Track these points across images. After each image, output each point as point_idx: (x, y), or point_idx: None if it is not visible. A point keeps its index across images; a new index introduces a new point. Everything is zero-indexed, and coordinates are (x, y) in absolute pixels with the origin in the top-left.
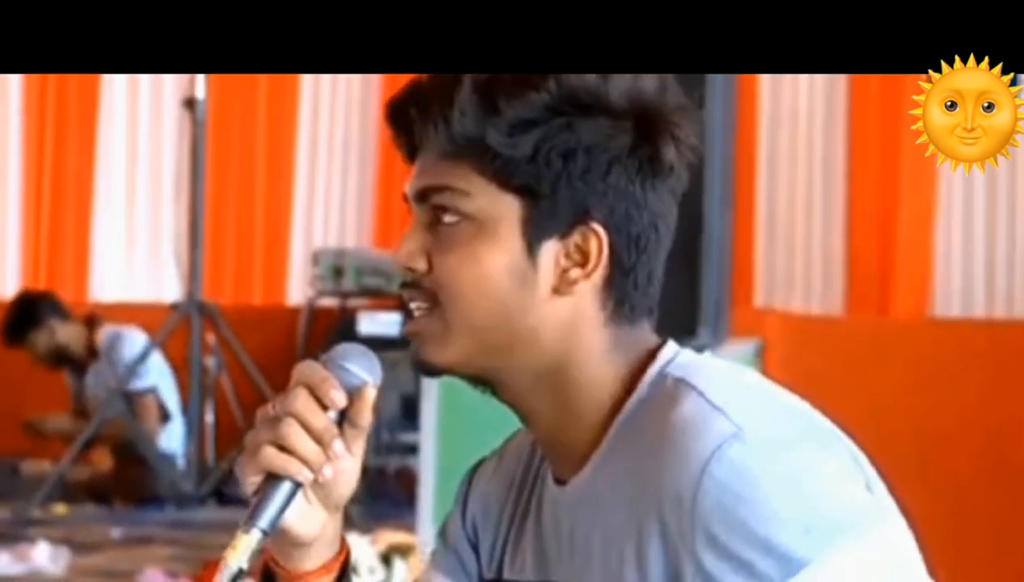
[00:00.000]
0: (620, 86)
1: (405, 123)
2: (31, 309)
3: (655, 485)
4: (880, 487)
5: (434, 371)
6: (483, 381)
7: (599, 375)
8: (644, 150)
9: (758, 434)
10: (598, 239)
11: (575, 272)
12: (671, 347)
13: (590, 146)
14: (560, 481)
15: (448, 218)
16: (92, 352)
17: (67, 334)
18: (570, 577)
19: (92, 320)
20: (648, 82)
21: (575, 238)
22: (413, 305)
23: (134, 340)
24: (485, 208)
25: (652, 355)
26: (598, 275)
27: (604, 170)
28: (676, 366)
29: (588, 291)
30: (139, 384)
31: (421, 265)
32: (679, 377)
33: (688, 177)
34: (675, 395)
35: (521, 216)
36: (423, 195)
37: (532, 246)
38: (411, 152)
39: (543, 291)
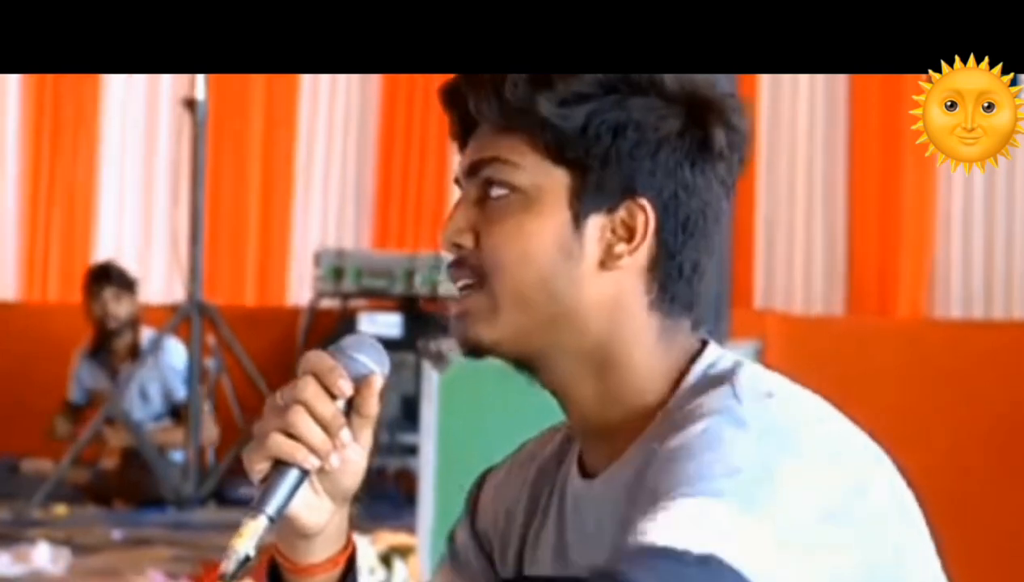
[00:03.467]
0: (673, 74)
1: (458, 102)
2: (131, 277)
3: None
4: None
5: (481, 349)
6: (528, 362)
7: (644, 365)
8: (695, 133)
9: (753, 420)
10: (645, 215)
11: (620, 247)
12: (714, 349)
13: (640, 123)
14: (588, 476)
15: (496, 191)
16: (134, 351)
17: (135, 320)
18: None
19: (135, 321)
20: (700, 76)
21: (621, 213)
22: (460, 283)
23: (178, 348)
24: (534, 181)
25: (695, 357)
26: (643, 254)
27: (653, 148)
28: (719, 369)
29: (633, 269)
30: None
31: (468, 241)
32: (722, 376)
33: (740, 169)
34: (714, 390)
35: (569, 189)
36: (473, 169)
37: (578, 219)
38: (465, 136)
39: (589, 265)
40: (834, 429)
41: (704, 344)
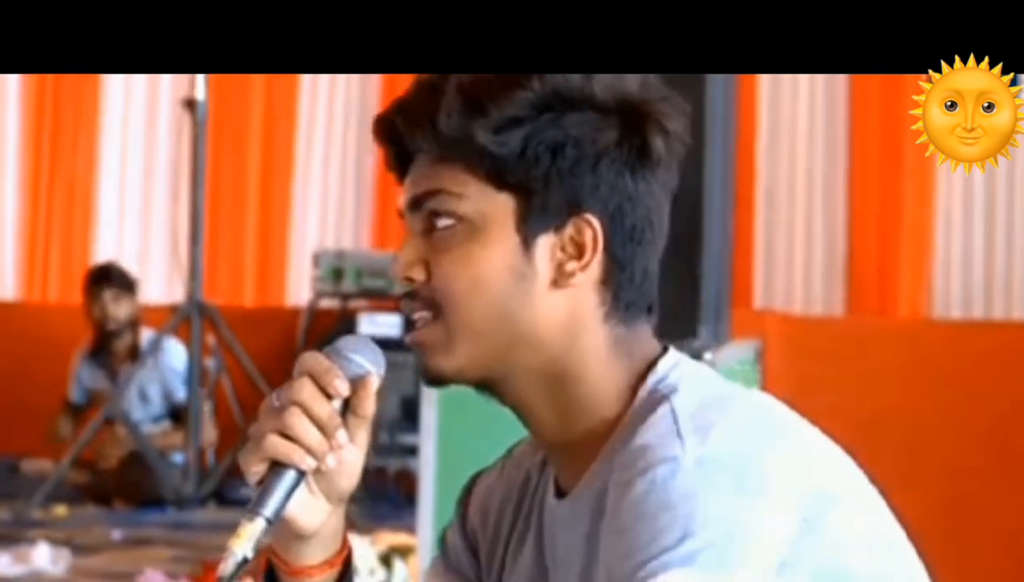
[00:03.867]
0: (603, 82)
1: (393, 136)
2: (131, 278)
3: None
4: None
5: (441, 380)
6: (488, 386)
7: (600, 378)
8: (633, 141)
9: (698, 465)
10: (592, 230)
11: (571, 264)
12: (670, 358)
13: (578, 139)
14: (560, 494)
15: (442, 222)
16: (134, 352)
17: (135, 321)
18: None
19: (135, 322)
20: (631, 78)
21: (569, 231)
22: (415, 316)
23: (178, 348)
24: (479, 209)
25: (651, 366)
26: (595, 268)
27: (593, 162)
28: (667, 385)
29: (586, 284)
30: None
31: (420, 275)
32: (665, 395)
33: (680, 173)
34: (654, 412)
35: (515, 213)
36: (417, 203)
37: (527, 242)
38: (403, 168)
39: (541, 286)
40: (788, 448)
41: (663, 351)
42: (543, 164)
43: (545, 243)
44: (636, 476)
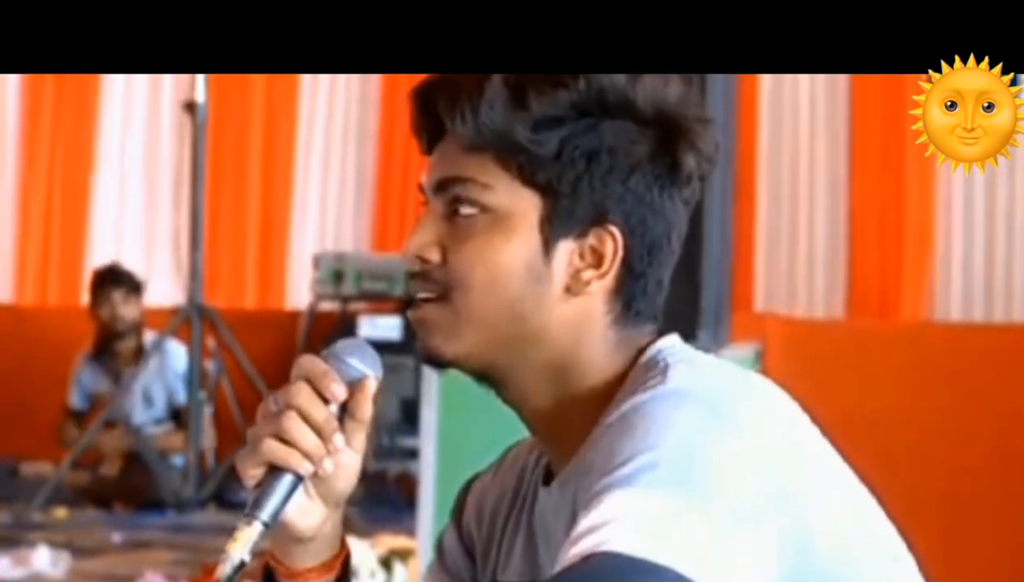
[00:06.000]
0: (646, 91)
1: (431, 110)
2: (138, 280)
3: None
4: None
5: (440, 362)
6: (487, 376)
7: (599, 373)
8: (665, 158)
9: (676, 391)
10: (614, 242)
11: (589, 273)
12: (668, 339)
13: (613, 149)
14: (551, 480)
15: (466, 210)
16: (138, 354)
17: (139, 323)
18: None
19: (139, 324)
20: (672, 89)
21: (591, 239)
22: (421, 295)
23: (180, 351)
24: (505, 202)
25: (644, 350)
26: (610, 278)
27: (625, 174)
28: (663, 354)
29: (599, 293)
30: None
31: (434, 256)
32: (659, 359)
33: (700, 189)
34: (646, 378)
35: (540, 213)
36: (442, 185)
37: (548, 244)
38: (430, 141)
39: (556, 290)
40: (779, 417)
41: (658, 337)
42: (577, 169)
43: (565, 248)
44: (627, 400)
